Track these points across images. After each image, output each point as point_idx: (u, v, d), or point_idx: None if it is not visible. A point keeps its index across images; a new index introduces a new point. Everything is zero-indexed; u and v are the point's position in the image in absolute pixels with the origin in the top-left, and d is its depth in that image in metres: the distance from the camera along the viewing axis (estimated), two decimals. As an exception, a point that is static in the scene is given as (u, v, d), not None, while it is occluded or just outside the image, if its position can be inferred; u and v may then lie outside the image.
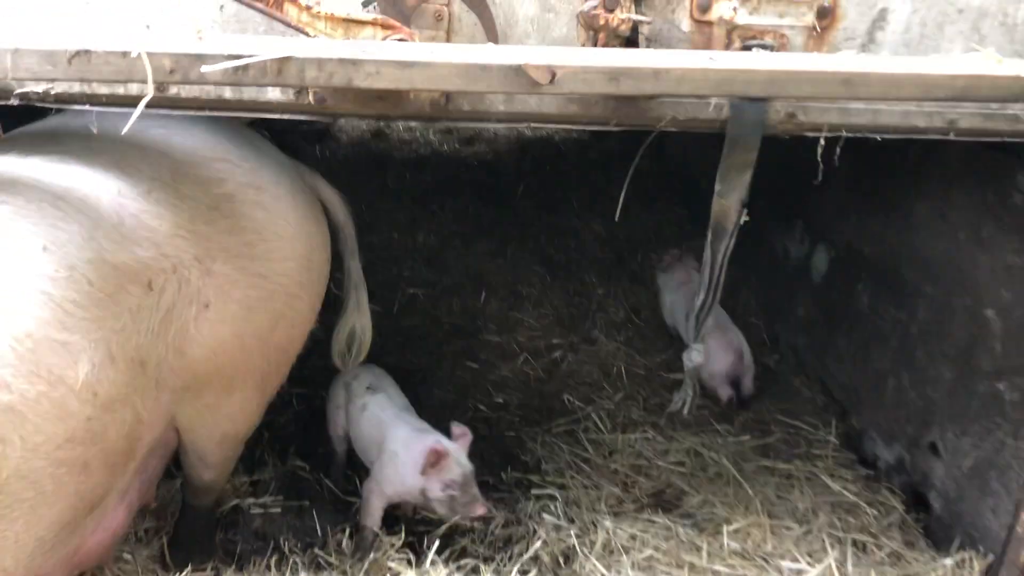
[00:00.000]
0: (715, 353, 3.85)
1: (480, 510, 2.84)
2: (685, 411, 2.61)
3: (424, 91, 2.01)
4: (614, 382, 4.20)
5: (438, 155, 6.87)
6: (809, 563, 2.92)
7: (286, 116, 2.14)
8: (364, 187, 5.87)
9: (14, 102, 1.96)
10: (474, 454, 3.55)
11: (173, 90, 2.03)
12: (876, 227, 3.72)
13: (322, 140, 6.48)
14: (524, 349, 4.41)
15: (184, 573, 2.52)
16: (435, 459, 2.78)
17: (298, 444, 3.53)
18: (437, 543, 2.82)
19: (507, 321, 4.65)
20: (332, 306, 2.97)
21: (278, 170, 2.49)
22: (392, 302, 4.66)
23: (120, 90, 2.02)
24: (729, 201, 2.26)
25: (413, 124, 6.55)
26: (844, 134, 2.26)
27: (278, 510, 3.13)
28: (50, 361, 1.89)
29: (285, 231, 2.42)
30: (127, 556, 2.64)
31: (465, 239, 5.32)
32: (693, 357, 2.46)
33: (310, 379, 3.95)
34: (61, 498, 2.05)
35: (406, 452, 2.91)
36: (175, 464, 2.74)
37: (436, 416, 3.80)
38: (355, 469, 3.40)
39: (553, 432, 3.81)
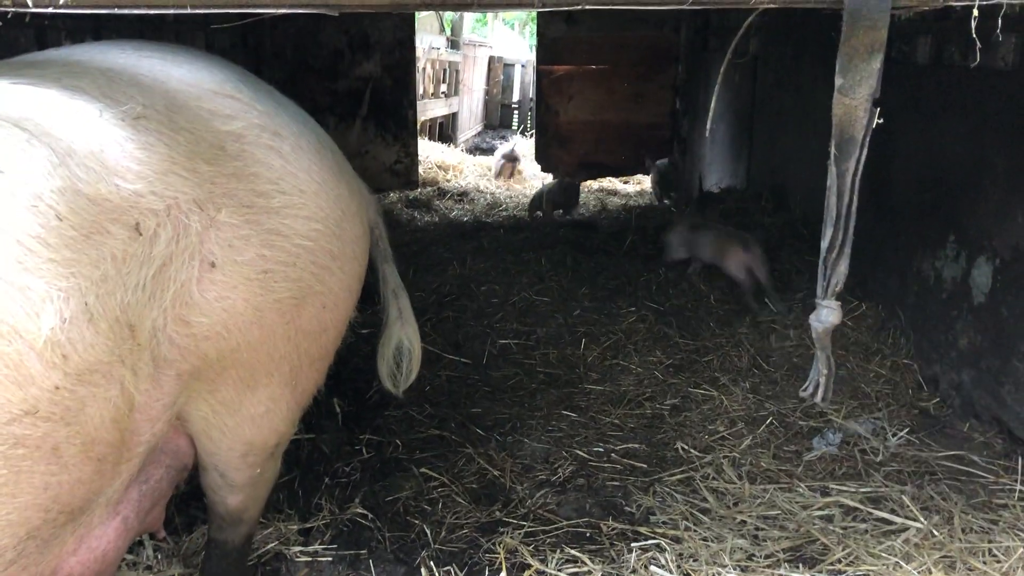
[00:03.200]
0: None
1: None
2: (819, 397, 1.99)
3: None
4: (739, 430, 3.56)
5: (537, 224, 6.55)
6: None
7: (281, 11, 1.77)
8: (459, 247, 5.57)
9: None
10: (571, 503, 3.04)
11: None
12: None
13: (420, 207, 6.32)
14: (629, 398, 3.84)
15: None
16: None
17: (364, 495, 3.04)
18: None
19: (610, 370, 4.11)
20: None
21: (300, 121, 2.12)
22: (481, 354, 4.20)
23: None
24: (855, 98, 1.74)
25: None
26: (1005, 1, 1.70)
27: (329, 559, 2.63)
28: (1, 307, 1.51)
29: (308, 186, 2.03)
30: (134, 598, 2.19)
31: (563, 290, 4.85)
32: (823, 316, 1.87)
33: (384, 427, 3.53)
34: (23, 492, 1.63)
35: None
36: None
37: (524, 465, 3.30)
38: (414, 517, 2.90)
39: (665, 482, 3.19)
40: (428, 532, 2.84)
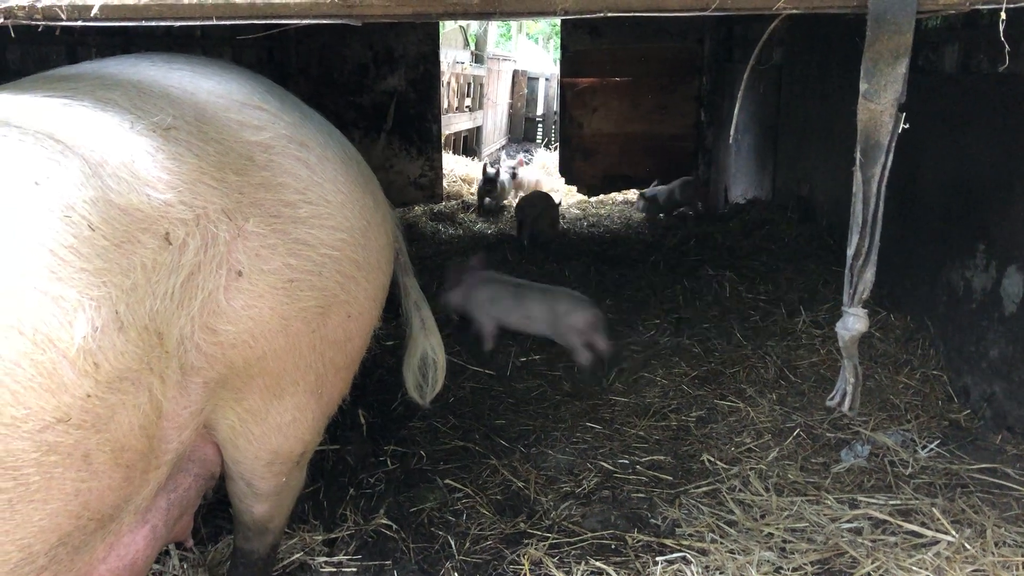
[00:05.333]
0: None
1: None
2: (846, 406, 1.96)
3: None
4: (765, 442, 3.53)
5: (561, 236, 6.55)
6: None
7: (305, 21, 1.79)
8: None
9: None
10: (595, 515, 3.02)
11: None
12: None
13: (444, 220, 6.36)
14: (655, 409, 3.82)
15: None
16: None
17: (388, 506, 3.04)
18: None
19: (635, 382, 4.09)
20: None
21: (326, 132, 2.15)
22: (505, 366, 4.20)
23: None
24: (880, 103, 1.72)
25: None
26: (1035, 3, 1.68)
27: (353, 570, 2.63)
28: (36, 316, 1.53)
29: (334, 197, 2.05)
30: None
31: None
32: (850, 324, 1.85)
33: (408, 438, 3.53)
34: (55, 498, 1.65)
35: None
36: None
37: (549, 476, 3.29)
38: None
39: (691, 494, 3.17)
40: (452, 543, 2.84)
